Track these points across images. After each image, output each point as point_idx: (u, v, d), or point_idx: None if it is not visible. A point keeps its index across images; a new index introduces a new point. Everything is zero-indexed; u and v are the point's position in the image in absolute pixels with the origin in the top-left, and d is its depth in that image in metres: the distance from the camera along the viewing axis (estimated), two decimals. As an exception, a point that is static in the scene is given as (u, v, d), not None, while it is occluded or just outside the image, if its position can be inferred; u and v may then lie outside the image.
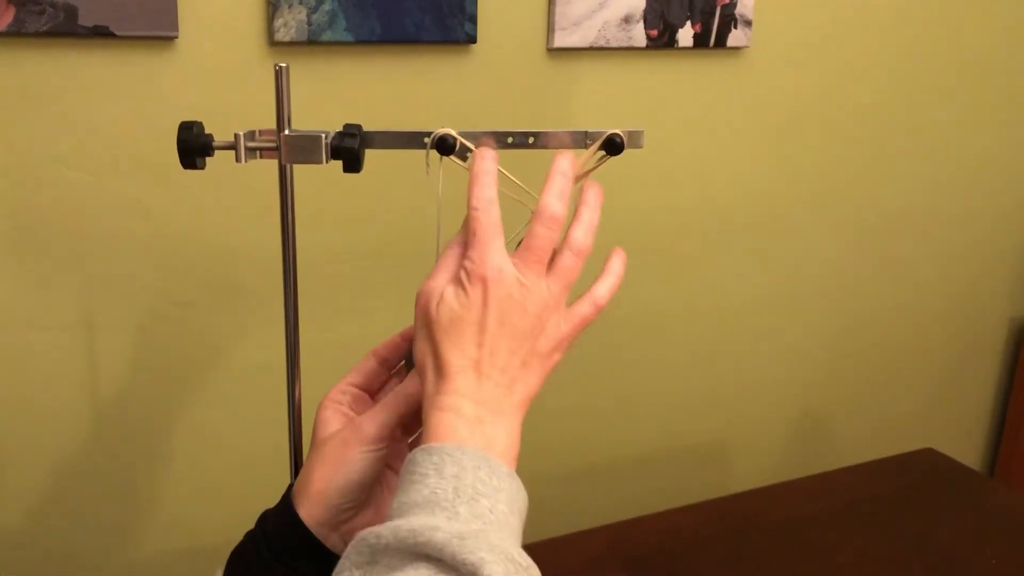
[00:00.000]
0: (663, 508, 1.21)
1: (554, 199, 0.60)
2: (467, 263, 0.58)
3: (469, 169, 0.62)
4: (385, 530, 0.48)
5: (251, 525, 0.65)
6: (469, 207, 0.60)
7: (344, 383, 0.67)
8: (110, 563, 1.11)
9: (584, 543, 1.12)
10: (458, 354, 0.57)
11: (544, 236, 0.59)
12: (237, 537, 0.66)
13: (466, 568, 0.45)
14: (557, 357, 0.61)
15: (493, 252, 0.58)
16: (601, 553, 1.10)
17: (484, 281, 0.57)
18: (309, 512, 0.61)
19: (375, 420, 0.62)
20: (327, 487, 0.61)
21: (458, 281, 0.58)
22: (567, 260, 0.61)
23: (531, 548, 1.16)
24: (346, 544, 0.61)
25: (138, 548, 1.12)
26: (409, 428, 0.69)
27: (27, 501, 1.05)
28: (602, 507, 1.39)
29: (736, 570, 1.08)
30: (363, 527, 0.62)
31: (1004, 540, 1.14)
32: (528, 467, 1.45)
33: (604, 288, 0.65)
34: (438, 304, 0.58)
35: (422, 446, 0.53)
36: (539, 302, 0.58)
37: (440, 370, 0.57)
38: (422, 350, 0.59)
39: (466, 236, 0.60)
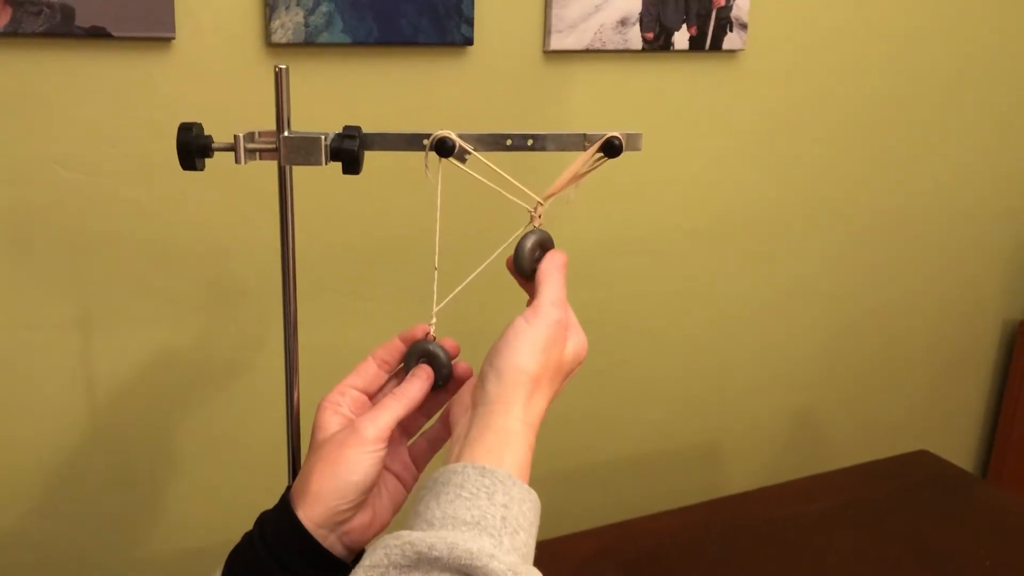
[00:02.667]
0: (657, 510, 1.21)
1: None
2: (580, 334, 0.66)
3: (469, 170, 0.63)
4: (440, 543, 0.49)
5: (249, 525, 0.65)
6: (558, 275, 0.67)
7: (343, 385, 0.67)
8: (109, 563, 1.11)
9: (578, 545, 1.12)
10: (550, 391, 0.63)
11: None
12: (235, 537, 0.66)
13: None
14: None
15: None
16: (595, 555, 1.11)
17: (582, 361, 0.66)
18: (307, 513, 0.60)
19: (374, 422, 0.62)
20: (325, 488, 0.60)
21: (571, 343, 0.65)
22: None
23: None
24: (344, 545, 0.61)
25: (137, 548, 1.12)
26: (408, 430, 0.69)
27: (26, 502, 1.05)
28: (596, 509, 1.39)
29: (730, 572, 1.09)
30: (361, 529, 0.62)
31: (997, 541, 1.15)
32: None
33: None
34: (556, 347, 0.64)
35: (475, 464, 0.55)
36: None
37: (536, 395, 0.61)
38: (530, 363, 0.62)
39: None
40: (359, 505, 0.62)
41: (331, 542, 0.61)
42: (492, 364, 0.62)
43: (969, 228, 1.66)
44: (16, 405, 1.02)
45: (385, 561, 0.50)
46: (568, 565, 1.09)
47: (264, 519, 0.63)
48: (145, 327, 1.05)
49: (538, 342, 0.62)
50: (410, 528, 0.53)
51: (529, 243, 0.67)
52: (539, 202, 0.68)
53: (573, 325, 0.65)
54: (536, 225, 0.68)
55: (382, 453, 0.62)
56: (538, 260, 0.68)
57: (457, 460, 0.57)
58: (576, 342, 0.65)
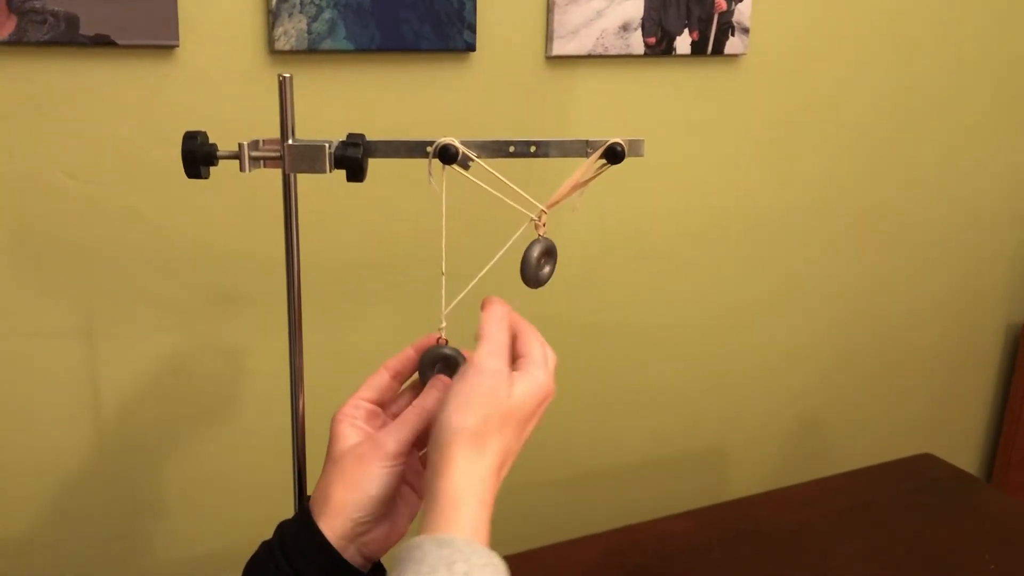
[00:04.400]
0: (661, 515, 1.21)
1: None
2: (543, 378, 0.63)
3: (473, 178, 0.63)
4: None
5: (255, 530, 0.65)
6: (524, 330, 0.66)
7: (357, 398, 0.67)
8: (112, 572, 1.11)
9: (582, 550, 1.12)
10: (493, 454, 0.60)
11: (543, 353, 0.66)
12: (241, 542, 0.66)
13: None
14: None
15: (549, 373, 0.65)
16: (599, 560, 1.11)
17: (544, 401, 0.64)
18: (329, 525, 0.61)
19: (395, 437, 0.63)
20: (347, 501, 0.61)
21: (539, 385, 0.63)
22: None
23: (529, 555, 1.16)
24: (363, 556, 0.62)
25: (141, 556, 1.12)
26: (422, 441, 0.69)
27: (29, 510, 1.05)
28: (599, 514, 1.39)
29: (733, 574, 1.09)
30: (380, 539, 0.63)
31: (1001, 545, 1.15)
32: (525, 474, 1.46)
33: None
34: (525, 399, 0.62)
35: (433, 536, 0.55)
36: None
37: (484, 458, 0.60)
38: (477, 420, 0.61)
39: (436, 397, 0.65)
40: (379, 517, 0.63)
41: (351, 553, 0.62)
42: (432, 428, 0.62)
43: (973, 232, 1.66)
44: (20, 412, 1.02)
45: None
46: (573, 570, 1.09)
47: (284, 529, 0.64)
48: (149, 335, 1.05)
49: (470, 397, 0.60)
50: None
51: (535, 252, 0.67)
52: (542, 210, 0.68)
53: (525, 368, 0.63)
54: (540, 234, 0.68)
55: (402, 467, 0.63)
56: (544, 268, 0.68)
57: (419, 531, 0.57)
58: (527, 385, 0.62)
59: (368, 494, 0.61)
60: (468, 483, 0.58)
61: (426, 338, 0.69)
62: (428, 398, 0.66)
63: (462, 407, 0.60)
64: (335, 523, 0.61)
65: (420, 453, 0.69)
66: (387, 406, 0.69)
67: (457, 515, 0.56)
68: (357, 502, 0.61)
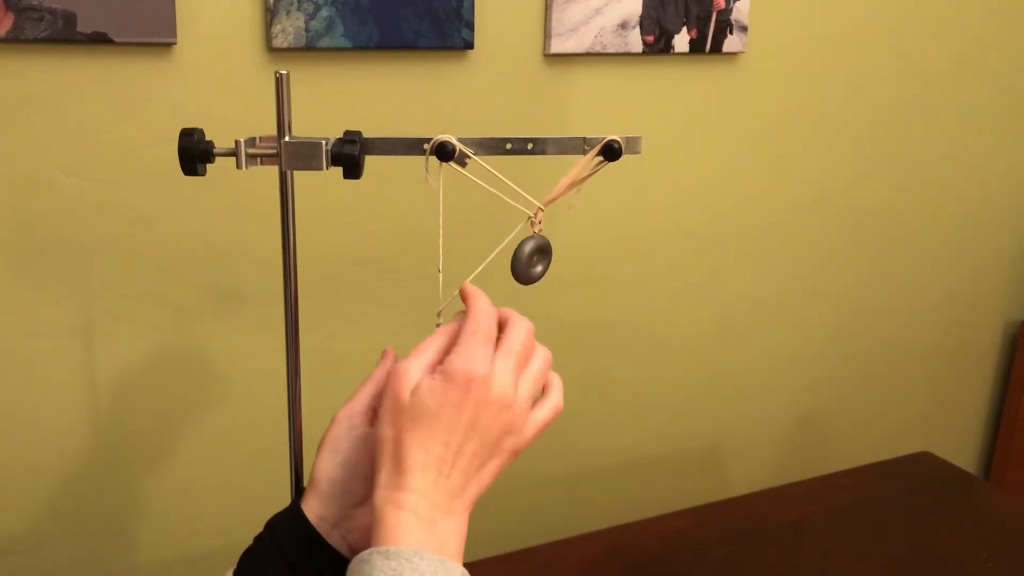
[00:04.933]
0: (660, 512, 1.21)
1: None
2: (455, 359, 0.57)
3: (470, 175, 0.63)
4: None
5: (252, 530, 0.66)
6: (472, 309, 0.61)
7: (359, 404, 0.67)
8: (111, 569, 1.11)
9: (582, 548, 1.12)
10: (422, 451, 0.56)
11: (522, 340, 0.60)
12: (238, 541, 0.66)
13: None
14: (512, 458, 0.61)
15: (482, 356, 0.58)
16: (599, 558, 1.11)
17: (468, 385, 0.57)
18: (308, 503, 0.63)
19: (346, 406, 0.66)
20: (318, 473, 0.64)
21: (440, 375, 0.57)
22: (538, 362, 0.62)
23: (528, 553, 1.16)
24: (348, 544, 0.62)
25: (139, 553, 1.12)
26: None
27: (29, 507, 1.05)
28: (600, 511, 1.39)
29: (733, 574, 1.09)
30: (364, 528, 0.63)
31: (1000, 543, 1.15)
32: (526, 472, 1.46)
33: (559, 393, 0.64)
34: (412, 393, 0.57)
35: (379, 548, 0.53)
36: (512, 409, 0.58)
37: (399, 462, 0.56)
38: (384, 433, 0.58)
39: (457, 329, 0.60)
40: (361, 496, 0.63)
41: (335, 539, 0.62)
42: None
43: (971, 230, 1.66)
44: (18, 410, 1.02)
45: None
46: (572, 568, 1.09)
47: (274, 518, 0.65)
48: (147, 333, 1.05)
49: (384, 405, 0.59)
50: None
51: (527, 249, 0.67)
52: (539, 208, 0.68)
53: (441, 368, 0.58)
54: (537, 231, 0.68)
55: (363, 431, 0.64)
56: (536, 265, 0.68)
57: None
58: (433, 383, 0.58)
59: (332, 460, 0.63)
60: (412, 495, 0.56)
61: (383, 357, 0.71)
62: (376, 369, 0.68)
63: (380, 417, 0.59)
64: (315, 503, 0.63)
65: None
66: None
67: (401, 527, 0.55)
68: (325, 471, 0.63)
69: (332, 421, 0.65)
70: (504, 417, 0.58)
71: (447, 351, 0.59)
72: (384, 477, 0.57)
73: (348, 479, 0.63)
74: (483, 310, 0.60)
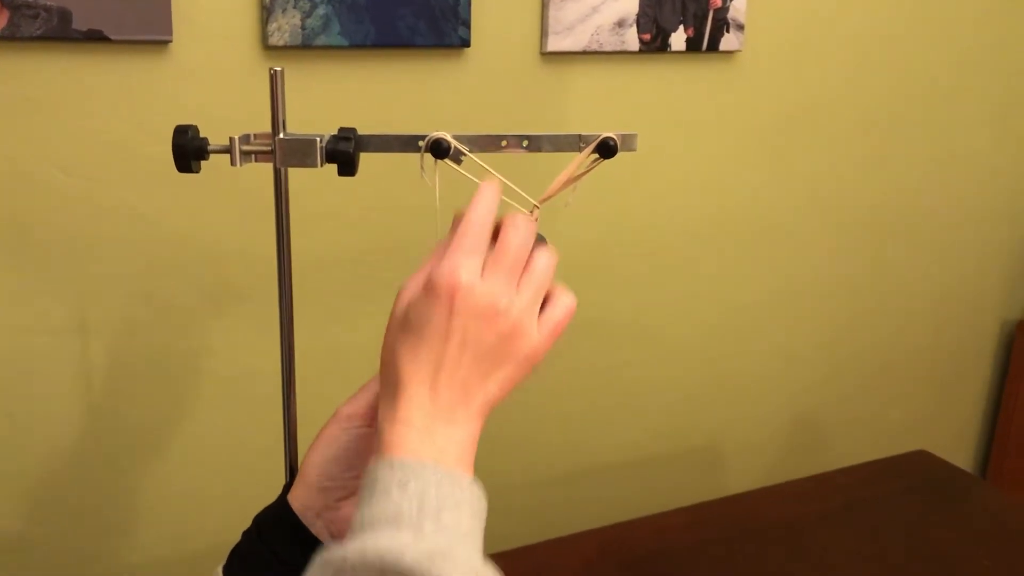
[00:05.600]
0: (657, 510, 1.21)
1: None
2: (435, 271, 0.56)
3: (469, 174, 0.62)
4: (351, 553, 0.47)
5: (246, 528, 0.66)
6: (463, 217, 0.59)
7: (361, 404, 0.67)
8: (105, 567, 1.11)
9: (578, 546, 1.12)
10: (414, 366, 0.55)
11: (517, 243, 0.58)
12: (232, 540, 0.66)
13: None
14: (529, 367, 0.58)
15: (465, 266, 0.55)
16: (595, 556, 1.11)
17: (451, 296, 0.55)
18: (295, 495, 0.63)
19: (349, 402, 0.65)
20: (307, 466, 0.64)
21: (423, 288, 0.56)
22: (540, 264, 0.59)
23: (525, 551, 1.16)
24: (330, 533, 0.62)
25: (133, 552, 1.12)
26: None
27: (21, 505, 1.05)
28: (596, 510, 1.39)
29: (730, 572, 1.09)
30: (347, 518, 0.63)
31: (996, 542, 1.15)
32: (522, 470, 1.46)
33: (567, 293, 0.61)
34: (405, 308, 0.57)
35: (382, 458, 0.53)
36: (508, 316, 0.56)
37: (394, 378, 0.56)
38: (386, 350, 0.58)
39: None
40: (349, 490, 0.64)
41: (318, 528, 0.63)
42: None
43: (968, 228, 1.66)
44: (13, 408, 1.02)
45: None
46: (570, 565, 1.09)
47: (261, 512, 0.66)
48: (142, 330, 1.05)
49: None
50: None
51: None
52: (535, 205, 0.68)
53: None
54: None
55: (361, 431, 0.64)
56: None
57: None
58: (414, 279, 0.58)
59: (325, 455, 0.63)
60: (409, 409, 0.55)
61: None
62: None
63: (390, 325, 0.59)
64: (301, 493, 0.63)
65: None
66: None
67: (397, 439, 0.54)
68: (316, 465, 0.63)
69: (334, 415, 0.65)
70: (501, 325, 0.56)
71: None
72: (383, 396, 0.57)
73: (338, 473, 0.63)
74: (472, 219, 0.57)
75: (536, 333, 0.58)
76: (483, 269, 0.56)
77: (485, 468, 1.43)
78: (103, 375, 1.05)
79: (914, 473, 1.32)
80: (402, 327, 0.57)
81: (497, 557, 1.14)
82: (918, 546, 1.13)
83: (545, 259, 0.59)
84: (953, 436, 1.82)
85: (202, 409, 1.11)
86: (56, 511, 1.07)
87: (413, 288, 0.58)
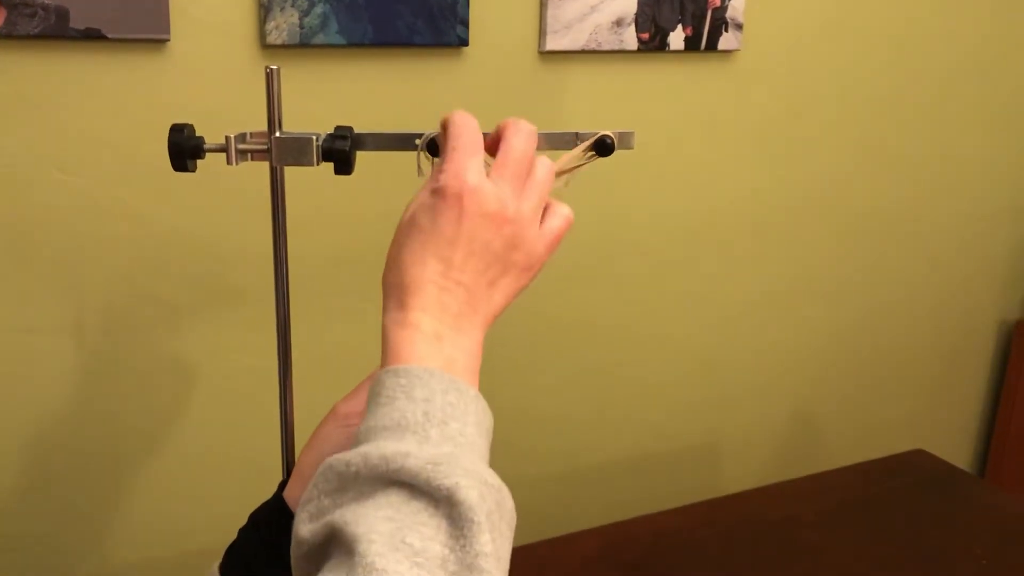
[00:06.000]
0: (655, 510, 1.21)
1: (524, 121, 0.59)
2: (441, 176, 0.55)
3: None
4: (355, 457, 0.47)
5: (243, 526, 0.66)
6: (448, 123, 0.58)
7: (356, 405, 0.67)
8: (101, 566, 1.11)
9: (577, 545, 1.12)
10: (419, 265, 0.55)
11: (522, 149, 0.57)
12: (229, 538, 0.66)
13: (441, 492, 0.44)
14: (529, 277, 0.58)
15: (470, 168, 0.55)
16: (594, 555, 1.11)
17: (459, 198, 0.54)
18: (291, 490, 0.64)
19: (347, 400, 0.66)
20: (303, 463, 0.64)
21: (431, 193, 0.55)
22: (541, 171, 0.58)
23: (524, 550, 1.16)
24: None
25: (129, 551, 1.12)
26: None
27: (17, 504, 1.05)
28: (595, 508, 1.39)
29: (728, 571, 1.09)
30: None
31: (994, 540, 1.15)
32: (520, 470, 1.46)
33: (563, 205, 0.61)
34: (413, 213, 0.56)
35: (388, 367, 0.52)
36: (515, 222, 0.55)
37: (400, 281, 0.55)
38: (392, 257, 0.57)
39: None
40: None
41: None
42: None
43: (966, 228, 1.66)
44: (11, 407, 1.02)
45: (315, 492, 0.48)
46: (569, 564, 1.09)
47: (256, 509, 0.67)
48: (140, 330, 1.05)
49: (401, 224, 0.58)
50: None
51: None
52: None
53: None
54: None
55: (356, 429, 0.63)
56: None
57: None
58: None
59: (321, 453, 0.63)
60: (407, 318, 0.54)
61: None
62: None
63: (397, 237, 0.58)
64: (295, 487, 0.64)
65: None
66: None
67: (413, 348, 0.53)
68: (313, 463, 0.63)
69: (331, 412, 0.65)
70: (507, 231, 0.55)
71: None
72: (388, 301, 0.56)
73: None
74: (459, 123, 0.57)
75: (538, 242, 0.57)
76: (489, 173, 0.56)
77: (483, 467, 1.41)
78: (100, 374, 1.05)
79: (912, 472, 1.32)
80: (408, 232, 0.56)
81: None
82: (916, 545, 1.13)
83: (546, 167, 0.59)
84: (951, 435, 1.82)
85: (199, 408, 1.11)
86: (53, 510, 1.07)
87: (421, 196, 0.56)
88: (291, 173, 0.68)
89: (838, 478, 1.30)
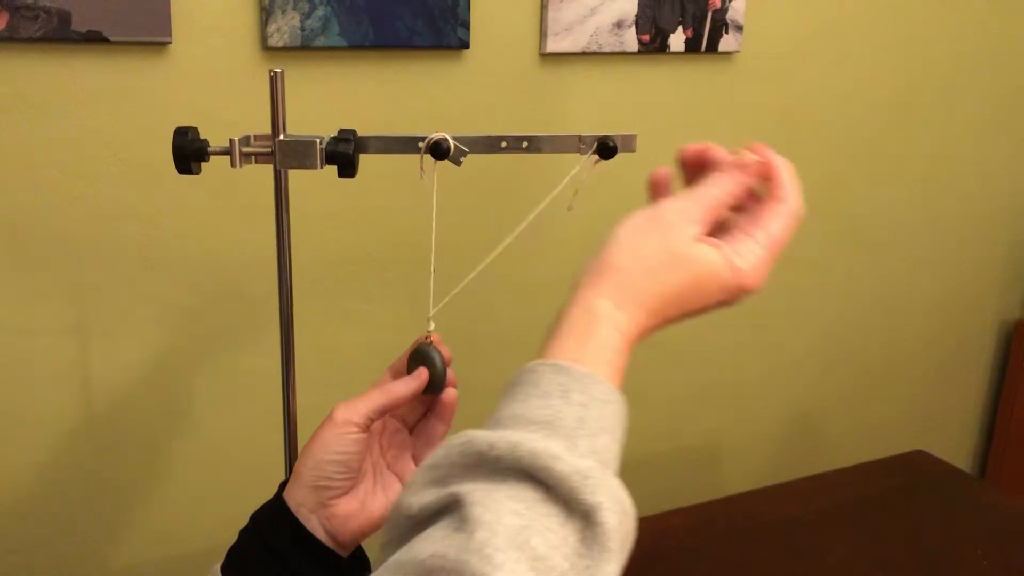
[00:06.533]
0: (656, 511, 1.21)
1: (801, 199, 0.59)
2: (752, 277, 0.55)
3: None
4: (501, 442, 0.44)
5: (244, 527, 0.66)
6: (782, 189, 0.59)
7: (365, 411, 0.66)
8: (105, 568, 1.11)
9: (577, 546, 1.12)
10: (654, 301, 0.54)
11: (788, 236, 0.58)
12: (231, 540, 0.66)
13: (582, 507, 0.42)
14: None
15: (765, 272, 0.55)
16: (594, 556, 1.11)
17: (741, 292, 0.55)
18: (290, 492, 0.64)
19: (347, 407, 0.65)
20: (302, 466, 0.64)
21: (727, 263, 0.54)
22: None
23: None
24: (326, 531, 0.63)
25: (132, 553, 1.12)
26: (406, 421, 0.71)
27: (21, 506, 1.05)
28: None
29: (729, 571, 1.09)
30: (344, 515, 0.64)
31: (993, 540, 1.15)
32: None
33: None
34: (691, 258, 0.54)
35: (550, 361, 0.50)
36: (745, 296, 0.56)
37: (626, 289, 0.54)
38: (632, 252, 0.56)
39: (736, 189, 0.59)
40: (342, 489, 0.64)
41: (313, 524, 0.63)
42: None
43: (966, 229, 1.66)
44: (12, 409, 1.02)
45: (446, 461, 0.46)
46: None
47: (258, 510, 0.66)
48: (142, 331, 1.05)
49: (625, 225, 0.57)
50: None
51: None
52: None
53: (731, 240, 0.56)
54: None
55: (356, 436, 0.64)
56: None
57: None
58: (717, 252, 0.54)
59: (320, 458, 0.63)
60: (603, 319, 0.52)
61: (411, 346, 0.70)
62: (399, 383, 0.67)
63: (615, 235, 0.57)
64: (295, 490, 0.64)
65: (411, 429, 0.71)
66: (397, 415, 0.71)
67: (584, 348, 0.51)
68: (311, 467, 0.63)
69: (330, 417, 0.65)
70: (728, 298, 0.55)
71: (722, 209, 0.58)
72: (590, 284, 0.54)
73: (332, 473, 0.64)
74: (795, 205, 0.60)
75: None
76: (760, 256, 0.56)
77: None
78: (102, 376, 1.05)
79: (912, 473, 1.32)
80: (670, 266, 0.54)
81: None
82: (917, 546, 1.14)
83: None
84: (951, 436, 1.82)
85: (202, 408, 1.11)
86: (53, 511, 1.07)
87: (698, 224, 0.55)
88: (294, 174, 0.68)
89: (838, 479, 1.30)
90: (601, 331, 0.52)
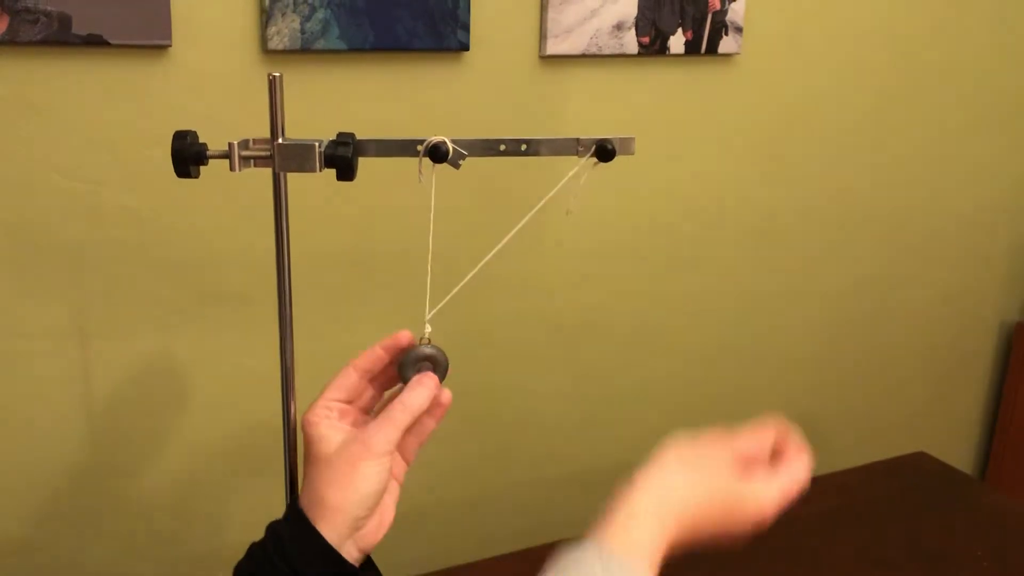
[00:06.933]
0: (656, 512, 1.21)
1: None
2: (772, 505, 0.73)
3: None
4: None
5: (245, 532, 0.65)
6: (798, 461, 0.75)
7: (326, 399, 0.67)
8: (104, 571, 1.11)
9: (578, 548, 1.12)
10: (693, 511, 0.71)
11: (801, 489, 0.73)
12: (231, 544, 0.66)
13: None
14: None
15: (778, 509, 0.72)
16: (595, 558, 1.11)
17: (758, 525, 0.71)
18: (329, 526, 0.62)
19: (385, 437, 0.63)
20: (344, 502, 0.62)
21: (754, 500, 0.73)
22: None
23: (527, 553, 1.16)
24: (358, 549, 0.63)
25: (132, 556, 1.12)
26: (411, 430, 0.70)
27: (22, 510, 1.05)
28: (594, 512, 1.39)
29: (728, 572, 1.09)
30: (372, 531, 0.64)
31: (995, 542, 1.15)
32: (521, 473, 1.46)
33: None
34: (718, 496, 0.73)
35: (601, 545, 0.64)
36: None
37: (668, 504, 0.71)
38: (671, 482, 0.73)
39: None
40: (371, 509, 0.64)
41: (347, 549, 0.63)
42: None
43: (967, 230, 1.66)
44: (13, 412, 1.02)
45: None
46: (567, 568, 1.09)
47: (278, 532, 0.63)
48: (142, 334, 1.05)
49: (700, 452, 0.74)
50: None
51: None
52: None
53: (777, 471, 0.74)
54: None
55: (389, 461, 0.64)
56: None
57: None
58: (767, 488, 0.74)
59: (362, 493, 0.62)
60: (652, 508, 0.68)
61: (392, 338, 0.69)
62: (415, 395, 0.65)
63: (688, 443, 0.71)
64: (336, 524, 0.62)
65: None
66: (353, 401, 0.69)
67: (627, 533, 0.66)
68: (355, 503, 0.62)
69: (368, 448, 0.63)
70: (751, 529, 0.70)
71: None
72: (640, 491, 0.71)
73: (374, 504, 0.63)
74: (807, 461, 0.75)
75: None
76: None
77: (486, 470, 1.44)
78: (102, 378, 1.05)
79: (913, 475, 1.32)
80: (709, 498, 0.72)
81: (498, 559, 1.15)
82: (917, 547, 1.13)
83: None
84: (952, 438, 1.82)
85: (200, 411, 1.11)
86: (54, 514, 1.07)
87: (759, 502, 0.74)
88: (293, 177, 0.68)
89: (839, 480, 1.30)
90: (647, 524, 0.69)
